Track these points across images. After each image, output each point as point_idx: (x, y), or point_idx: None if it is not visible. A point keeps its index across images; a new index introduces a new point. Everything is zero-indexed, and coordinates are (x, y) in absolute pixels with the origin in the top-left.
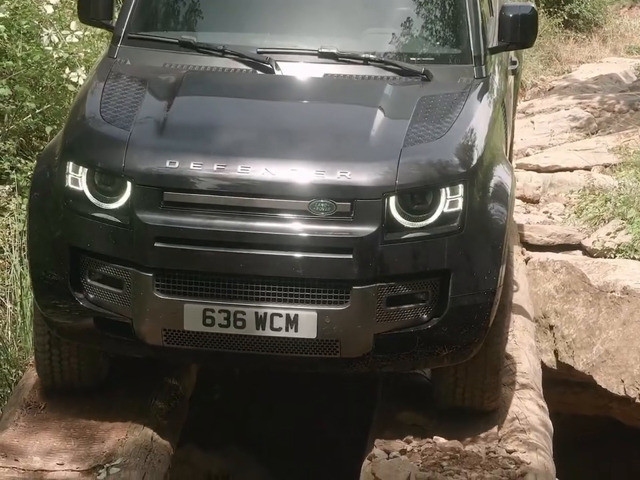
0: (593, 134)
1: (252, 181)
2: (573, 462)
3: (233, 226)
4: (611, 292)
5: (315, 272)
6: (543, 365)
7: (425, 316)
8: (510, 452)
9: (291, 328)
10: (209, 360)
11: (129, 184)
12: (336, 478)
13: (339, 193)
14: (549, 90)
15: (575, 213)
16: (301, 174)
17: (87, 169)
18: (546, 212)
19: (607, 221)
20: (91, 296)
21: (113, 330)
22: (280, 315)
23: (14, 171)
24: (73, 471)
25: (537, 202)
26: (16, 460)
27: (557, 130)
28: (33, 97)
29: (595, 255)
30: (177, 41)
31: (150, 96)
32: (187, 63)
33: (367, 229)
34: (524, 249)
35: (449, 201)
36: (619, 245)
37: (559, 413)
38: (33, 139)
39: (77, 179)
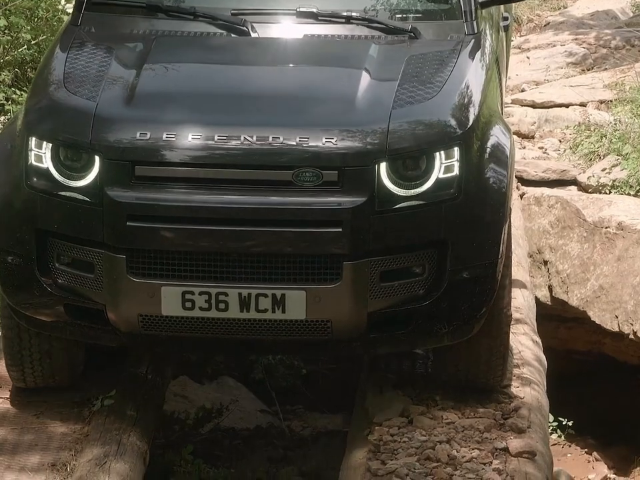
0: (588, 70)
1: (230, 151)
2: (565, 397)
3: (210, 200)
4: (606, 228)
5: (302, 247)
6: (537, 300)
7: (422, 291)
8: (504, 386)
9: (278, 309)
10: (191, 346)
11: (97, 159)
12: (332, 410)
13: (324, 160)
14: (545, 25)
15: (570, 148)
16: (283, 142)
17: (51, 145)
18: (541, 147)
19: (602, 157)
20: (60, 281)
21: (84, 317)
22: (265, 295)
23: (9, 102)
24: (66, 402)
25: (532, 137)
26: (10, 391)
27: (552, 66)
28: (29, 28)
29: (590, 190)
30: (144, 4)
31: (117, 64)
32: (156, 28)
33: (357, 199)
34: (519, 184)
35: (444, 166)
36: (614, 181)
37: (553, 348)
38: (28, 70)
39: (41, 155)
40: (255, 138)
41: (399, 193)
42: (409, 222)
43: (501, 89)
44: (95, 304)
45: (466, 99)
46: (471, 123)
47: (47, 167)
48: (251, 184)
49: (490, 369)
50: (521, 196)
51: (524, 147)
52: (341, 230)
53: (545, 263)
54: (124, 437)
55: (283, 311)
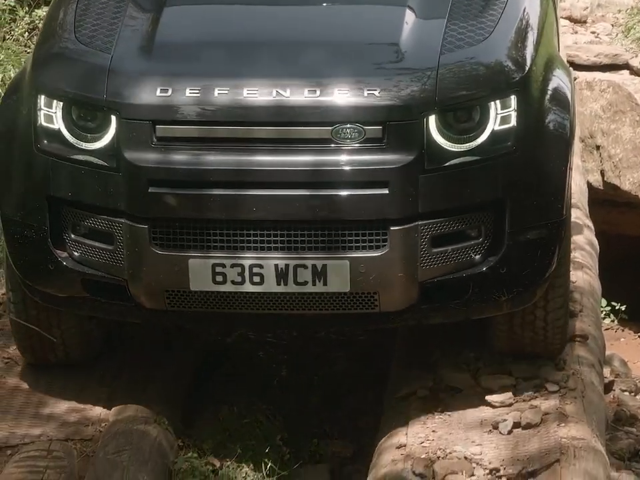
0: None
1: (262, 106)
2: (618, 281)
3: (240, 162)
4: None
5: (344, 212)
6: (589, 185)
7: (478, 256)
8: None
9: (319, 281)
10: (224, 324)
11: (113, 118)
12: None
13: (367, 115)
14: None
15: (623, 32)
16: (320, 95)
17: (62, 103)
18: (593, 32)
19: None
20: (77, 254)
21: (104, 293)
22: (305, 267)
23: None
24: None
25: (584, 22)
26: None
27: None
28: None
29: None
30: None
31: (133, 9)
32: None
33: (404, 157)
34: (571, 68)
35: (500, 117)
36: None
37: (604, 233)
38: None
39: (51, 115)
40: (288, 92)
41: (450, 149)
42: (462, 180)
43: (557, 20)
44: (115, 279)
45: (522, 39)
46: (528, 66)
47: (58, 128)
48: (285, 143)
49: (547, 334)
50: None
51: (576, 32)
52: (386, 192)
53: (597, 147)
54: None
55: (324, 284)
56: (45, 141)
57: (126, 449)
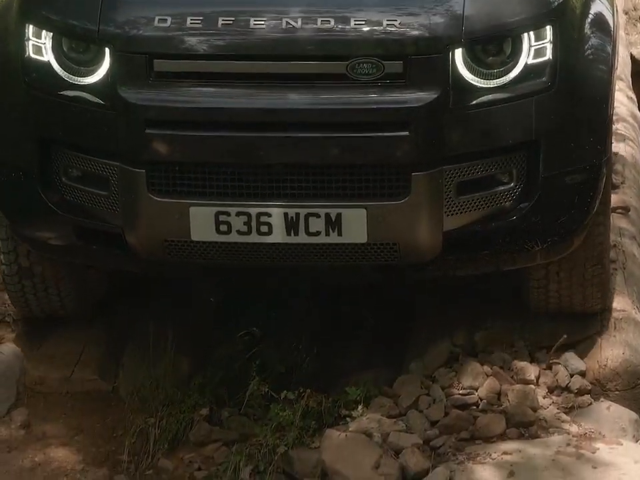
0: None
1: (270, 38)
2: None
3: (247, 100)
4: None
5: (361, 156)
6: (632, 58)
7: (509, 203)
8: None
9: (333, 231)
10: (229, 275)
11: (106, 51)
12: None
13: (386, 48)
14: None
15: None
16: (335, 26)
17: (51, 33)
18: None
19: None
20: (69, 199)
21: (99, 242)
22: (317, 215)
23: None
24: None
25: None
26: None
27: None
28: None
29: None
30: None
31: None
32: None
33: (427, 95)
34: None
35: (534, 49)
36: None
37: None
38: None
39: (40, 46)
40: (299, 22)
41: (478, 85)
42: (491, 120)
43: None
44: (110, 226)
45: None
46: None
47: (48, 60)
48: (296, 79)
49: (585, 289)
50: None
51: None
52: (407, 133)
53: None
54: None
55: (338, 234)
56: (34, 75)
57: (168, 326)
